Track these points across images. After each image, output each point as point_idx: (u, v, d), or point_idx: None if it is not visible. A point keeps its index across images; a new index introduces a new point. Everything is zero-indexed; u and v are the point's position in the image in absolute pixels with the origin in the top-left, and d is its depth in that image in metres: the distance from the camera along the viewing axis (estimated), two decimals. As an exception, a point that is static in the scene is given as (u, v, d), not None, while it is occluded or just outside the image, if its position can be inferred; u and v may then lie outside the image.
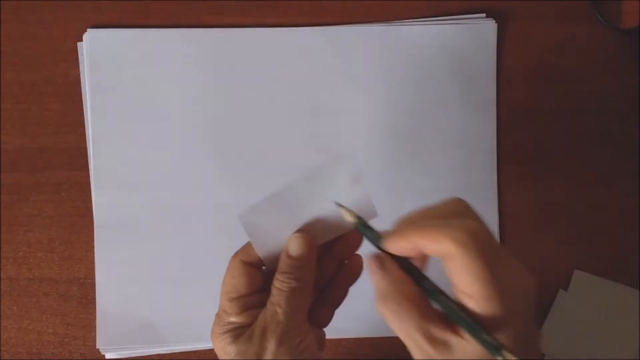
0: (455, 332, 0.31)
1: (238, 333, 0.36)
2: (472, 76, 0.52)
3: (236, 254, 0.37)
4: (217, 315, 0.37)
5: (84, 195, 0.52)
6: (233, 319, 0.36)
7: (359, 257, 0.39)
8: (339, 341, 0.51)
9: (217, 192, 0.51)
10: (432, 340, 0.31)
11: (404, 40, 0.52)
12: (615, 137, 0.52)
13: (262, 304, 0.36)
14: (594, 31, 0.53)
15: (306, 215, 0.37)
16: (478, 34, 0.52)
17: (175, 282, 0.51)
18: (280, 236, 0.37)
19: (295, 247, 0.36)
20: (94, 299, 0.51)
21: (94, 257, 0.51)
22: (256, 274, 0.37)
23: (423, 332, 0.31)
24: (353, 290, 0.51)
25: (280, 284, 0.35)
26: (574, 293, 0.51)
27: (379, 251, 0.34)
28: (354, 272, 0.39)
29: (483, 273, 0.30)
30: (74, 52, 0.52)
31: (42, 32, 0.52)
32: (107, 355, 0.51)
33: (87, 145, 0.52)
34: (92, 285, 0.51)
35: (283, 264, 0.36)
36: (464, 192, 0.52)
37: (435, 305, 0.32)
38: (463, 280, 0.30)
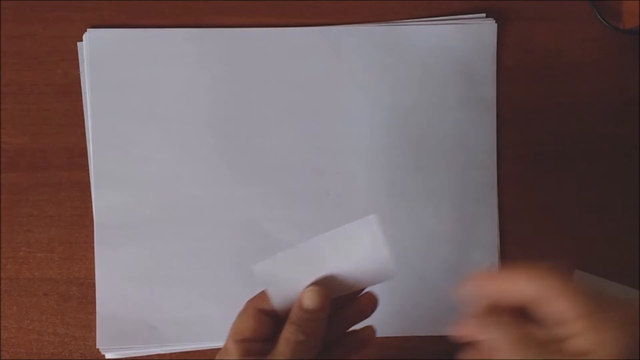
0: (575, 354, 0.32)
1: None
2: (472, 76, 0.52)
3: (252, 298, 0.37)
4: (220, 354, 0.37)
5: (84, 195, 0.52)
6: None
7: (371, 328, 0.39)
8: (339, 341, 0.51)
9: (217, 192, 0.51)
10: None
11: (404, 40, 0.52)
12: (615, 137, 0.52)
13: (266, 353, 0.36)
14: (594, 31, 0.52)
15: (323, 270, 0.37)
16: (478, 34, 0.52)
17: (175, 282, 0.51)
18: (296, 287, 0.37)
19: (308, 299, 0.36)
20: (94, 299, 0.51)
21: (94, 257, 0.51)
22: (266, 321, 0.36)
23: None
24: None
25: (288, 335, 0.35)
26: (574, 293, 0.51)
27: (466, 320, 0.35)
28: (361, 340, 0.39)
29: (582, 300, 0.32)
30: (74, 52, 0.52)
31: (42, 32, 0.52)
32: (107, 355, 0.51)
33: (87, 145, 0.52)
34: (92, 285, 0.51)
35: (294, 315, 0.36)
36: (464, 192, 0.52)
37: None
38: (560, 306, 0.32)
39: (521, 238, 0.52)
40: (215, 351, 0.51)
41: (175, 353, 0.51)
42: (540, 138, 0.52)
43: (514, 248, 0.52)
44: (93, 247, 0.51)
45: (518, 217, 0.52)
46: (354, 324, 0.39)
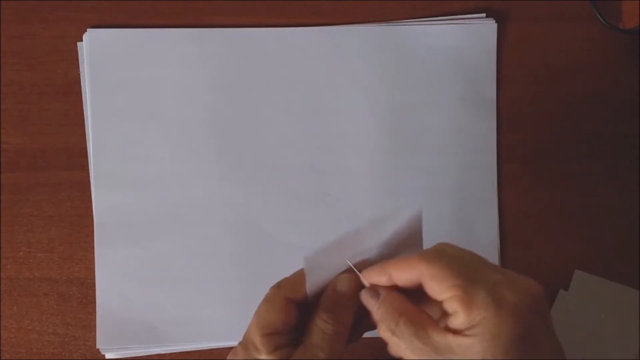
0: (452, 332, 0.31)
1: None
2: (472, 76, 0.52)
3: (280, 286, 0.36)
4: (243, 347, 0.35)
5: (84, 195, 0.52)
6: (264, 357, 0.34)
7: None
8: (339, 341, 0.51)
9: (217, 192, 0.51)
10: (438, 350, 0.31)
11: (404, 40, 0.52)
12: (615, 137, 0.52)
13: (292, 342, 0.35)
14: (594, 31, 0.53)
15: (360, 255, 0.36)
16: (478, 34, 0.52)
17: (175, 282, 0.51)
18: (329, 273, 0.36)
19: (344, 286, 0.35)
20: (94, 299, 0.51)
21: (94, 257, 0.51)
22: (296, 312, 0.35)
23: (428, 344, 0.32)
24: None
25: (324, 325, 0.34)
26: (574, 293, 0.51)
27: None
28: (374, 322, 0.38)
29: (447, 279, 0.31)
30: (74, 52, 0.52)
31: (42, 32, 0.52)
32: (107, 355, 0.51)
33: (87, 145, 0.52)
34: (92, 285, 0.51)
35: (329, 301, 0.35)
36: (464, 192, 0.52)
37: None
38: (432, 289, 0.32)
39: (521, 238, 0.52)
40: (215, 351, 0.51)
41: (175, 353, 0.51)
42: (540, 138, 0.52)
43: (514, 248, 0.52)
44: (93, 247, 0.51)
45: (518, 217, 0.52)
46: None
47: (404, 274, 0.33)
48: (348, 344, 0.38)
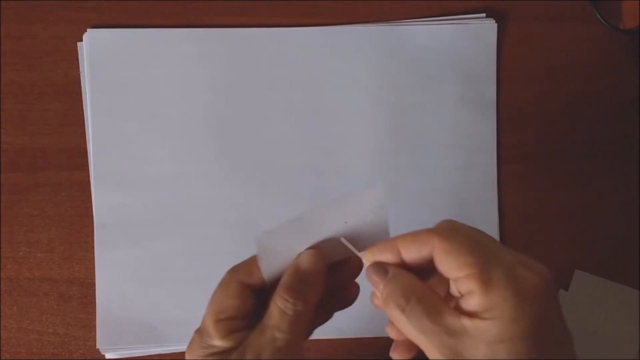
0: (466, 314, 0.30)
1: (221, 358, 0.33)
2: (472, 76, 0.52)
3: (235, 271, 0.35)
4: (199, 334, 0.34)
5: (84, 195, 0.52)
6: (217, 342, 0.33)
7: (357, 285, 0.37)
8: (339, 341, 0.51)
9: (217, 192, 0.51)
10: (451, 332, 0.30)
11: (404, 40, 0.52)
12: (615, 137, 0.52)
13: (248, 326, 0.33)
14: (594, 31, 0.53)
15: (319, 237, 0.35)
16: (478, 34, 0.52)
17: (175, 282, 0.51)
18: (288, 255, 0.35)
19: (306, 261, 0.34)
20: (94, 299, 0.51)
21: (94, 257, 0.51)
22: (251, 297, 0.34)
23: (441, 325, 0.30)
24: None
25: (283, 304, 0.33)
26: (574, 293, 0.51)
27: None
28: (347, 298, 0.37)
29: (463, 256, 0.30)
30: (74, 52, 0.52)
31: (42, 32, 0.52)
32: (107, 355, 0.51)
33: (87, 145, 0.52)
34: (92, 285, 0.51)
35: (290, 280, 0.33)
36: (464, 192, 0.52)
37: None
38: (447, 266, 0.31)
39: (521, 238, 0.52)
40: (215, 351, 0.51)
41: (175, 353, 0.51)
42: (540, 138, 0.52)
43: (514, 248, 0.52)
44: (93, 247, 0.51)
45: (518, 217, 0.52)
46: (339, 285, 0.37)
47: (413, 248, 0.32)
48: (317, 325, 0.37)
